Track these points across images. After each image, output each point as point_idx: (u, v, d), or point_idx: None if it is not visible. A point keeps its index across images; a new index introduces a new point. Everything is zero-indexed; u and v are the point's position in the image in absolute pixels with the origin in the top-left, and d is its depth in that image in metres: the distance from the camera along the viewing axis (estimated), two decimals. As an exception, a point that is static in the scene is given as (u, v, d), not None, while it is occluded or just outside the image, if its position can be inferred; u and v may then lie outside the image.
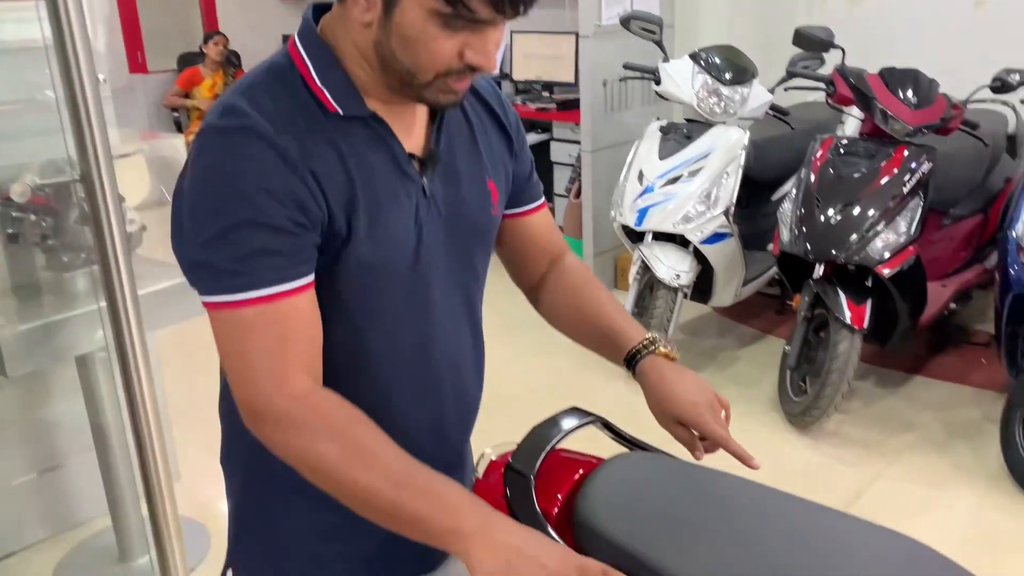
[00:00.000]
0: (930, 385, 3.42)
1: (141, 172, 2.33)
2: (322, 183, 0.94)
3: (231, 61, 6.28)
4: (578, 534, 1.00)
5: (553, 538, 0.97)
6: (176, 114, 6.37)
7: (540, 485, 1.03)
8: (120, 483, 2.43)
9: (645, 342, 1.15)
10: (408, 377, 1.06)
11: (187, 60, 6.43)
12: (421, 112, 1.05)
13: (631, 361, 1.15)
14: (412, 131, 1.04)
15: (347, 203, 0.96)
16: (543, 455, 1.05)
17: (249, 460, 1.09)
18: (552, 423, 1.12)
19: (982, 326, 3.85)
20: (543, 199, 1.26)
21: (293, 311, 0.93)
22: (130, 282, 1.81)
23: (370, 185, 0.97)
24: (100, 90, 1.61)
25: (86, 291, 2.20)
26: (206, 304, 0.94)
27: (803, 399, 3.06)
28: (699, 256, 3.34)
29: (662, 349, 1.15)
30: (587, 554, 0.97)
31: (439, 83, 0.94)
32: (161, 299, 2.22)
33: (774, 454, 2.90)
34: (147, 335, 1.85)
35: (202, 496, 2.80)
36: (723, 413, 1.12)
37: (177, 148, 2.14)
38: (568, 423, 1.11)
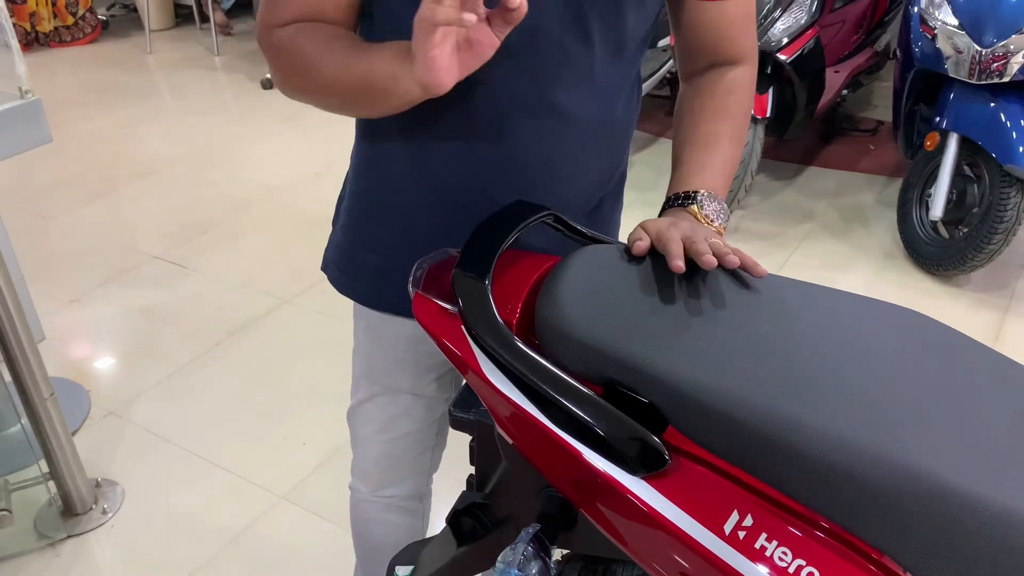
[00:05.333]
0: (823, 174, 3.43)
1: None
2: None
3: None
4: (544, 339, 0.85)
5: (521, 352, 0.81)
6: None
7: (494, 289, 0.86)
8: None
9: (683, 194, 0.97)
10: (448, 107, 0.96)
11: None
12: None
13: (664, 206, 0.99)
14: None
15: None
16: (496, 256, 0.87)
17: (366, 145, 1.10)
18: (498, 220, 0.93)
19: (868, 114, 3.87)
20: None
21: None
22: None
23: None
24: None
25: None
26: None
27: (705, 197, 2.99)
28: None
29: (696, 209, 0.95)
30: (558, 360, 0.82)
31: None
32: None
33: (680, 254, 2.85)
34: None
35: (73, 355, 2.54)
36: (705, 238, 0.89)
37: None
38: (517, 218, 0.93)
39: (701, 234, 0.88)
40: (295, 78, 0.97)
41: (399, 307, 1.12)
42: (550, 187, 1.04)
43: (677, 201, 0.98)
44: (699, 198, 0.96)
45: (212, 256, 3.04)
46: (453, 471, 1.31)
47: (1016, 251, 2.83)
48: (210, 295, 2.82)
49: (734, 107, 1.04)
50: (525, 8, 0.80)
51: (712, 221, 0.95)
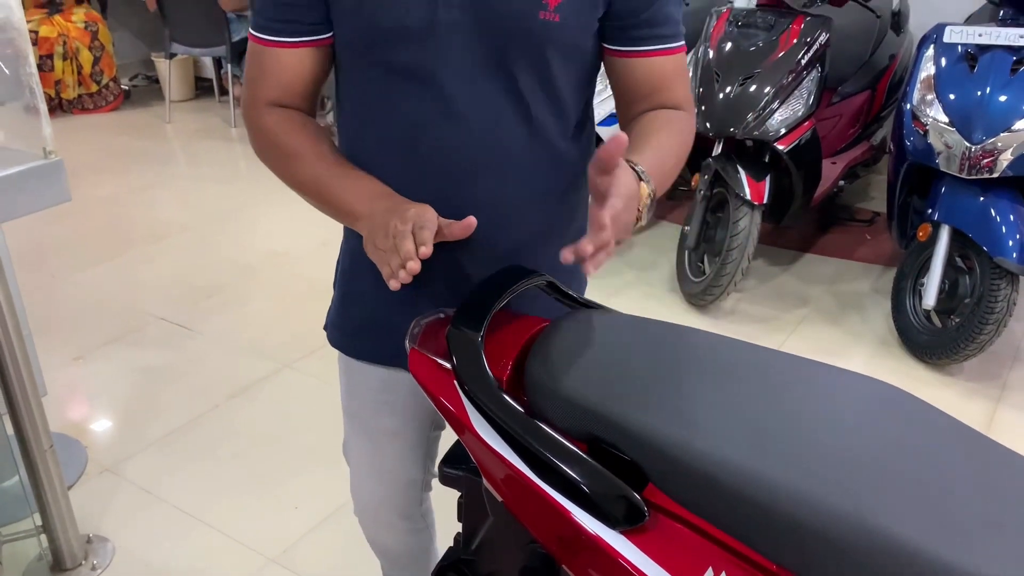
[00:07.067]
0: (820, 261, 3.49)
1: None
2: None
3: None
4: (533, 397, 0.89)
5: (511, 407, 0.85)
6: None
7: (487, 348, 0.90)
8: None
9: (642, 170, 0.98)
10: (391, 159, 1.10)
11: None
12: None
13: None
14: None
15: None
16: (490, 315, 0.92)
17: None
18: (494, 281, 0.99)
19: (865, 204, 3.95)
20: (667, 47, 1.09)
21: (270, 58, 1.10)
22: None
23: None
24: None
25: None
26: None
27: (703, 279, 3.05)
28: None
29: (645, 188, 0.97)
30: (545, 417, 0.86)
31: None
32: (1, 188, 1.93)
33: (677, 334, 2.89)
34: (-6, 227, 1.59)
35: (73, 412, 2.56)
36: (622, 232, 0.90)
37: (11, 7, 1.82)
38: (512, 281, 0.98)
39: (622, 224, 0.88)
40: (271, 164, 1.14)
41: (374, 356, 1.24)
42: (503, 229, 1.11)
43: (637, 168, 0.98)
44: (650, 182, 0.98)
45: (217, 319, 3.09)
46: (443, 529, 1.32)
47: (1008, 342, 2.86)
48: (212, 358, 2.86)
49: (678, 127, 1.10)
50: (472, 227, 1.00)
51: (645, 209, 0.97)
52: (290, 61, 1.10)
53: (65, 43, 5.45)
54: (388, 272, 0.95)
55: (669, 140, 1.08)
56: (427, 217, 0.97)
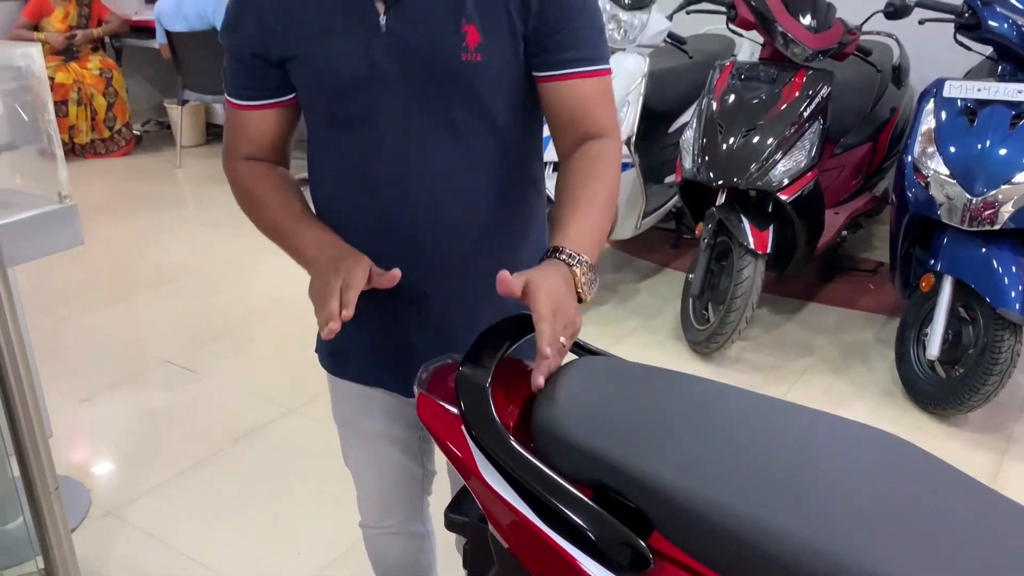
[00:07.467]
0: (823, 311, 3.50)
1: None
2: (265, 20, 1.15)
3: (85, -11, 5.74)
4: (539, 442, 0.90)
5: (518, 453, 0.86)
6: (23, 49, 5.78)
7: (494, 394, 0.91)
8: (-17, 441, 2.16)
9: (568, 252, 1.04)
10: (350, 197, 1.20)
11: (34, -12, 5.83)
12: None
13: (548, 254, 1.07)
14: None
15: (290, 34, 1.14)
16: (496, 362, 0.94)
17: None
18: (501, 329, 1.00)
19: (868, 254, 3.98)
20: (582, 70, 1.14)
21: (241, 119, 1.24)
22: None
23: (317, 19, 1.12)
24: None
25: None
26: None
27: (707, 327, 3.06)
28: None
29: (577, 273, 1.02)
30: (551, 463, 0.87)
31: None
32: (17, 232, 1.96)
33: (682, 382, 2.90)
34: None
35: (78, 454, 2.57)
36: (568, 328, 0.96)
37: (33, 58, 1.87)
38: (519, 329, 1.00)
39: (560, 324, 0.94)
40: (245, 211, 1.28)
41: (352, 375, 1.36)
42: (454, 253, 1.20)
43: (561, 255, 1.04)
44: (581, 263, 1.03)
45: (222, 363, 3.11)
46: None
47: (1014, 393, 2.86)
48: (217, 401, 2.87)
49: (602, 171, 1.15)
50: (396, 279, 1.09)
51: (585, 288, 1.03)
52: (258, 121, 1.23)
53: (80, 89, 5.55)
54: (320, 323, 1.04)
55: (595, 190, 1.12)
56: (355, 275, 1.06)
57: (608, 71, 1.17)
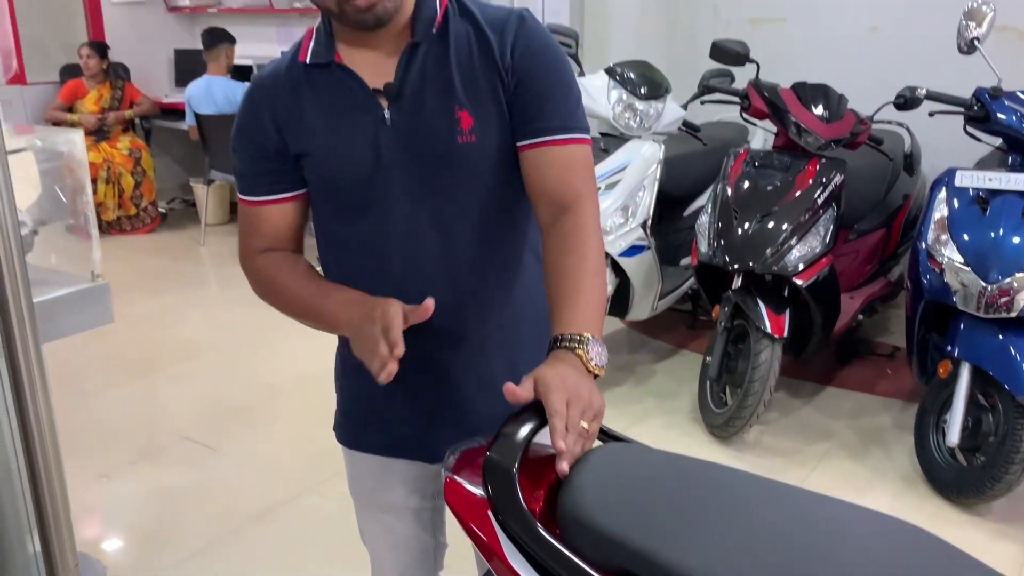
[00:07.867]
0: (841, 395, 3.50)
1: (29, 171, 2.12)
2: (279, 119, 1.23)
3: (118, 74, 5.96)
4: (564, 528, 0.91)
5: (544, 539, 0.88)
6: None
7: (520, 479, 0.94)
8: (5, 517, 2.17)
9: (568, 336, 1.08)
10: (365, 279, 1.25)
11: (70, 72, 6.07)
12: (391, 49, 1.20)
13: (551, 345, 1.10)
14: (380, 68, 1.20)
15: (302, 131, 1.22)
16: (523, 447, 0.96)
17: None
18: (527, 414, 1.03)
19: (885, 338, 3.99)
20: (553, 137, 1.20)
21: (257, 215, 1.29)
22: (25, 290, 1.63)
23: (328, 117, 1.21)
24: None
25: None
26: None
27: (725, 410, 3.06)
28: (616, 269, 3.32)
29: (583, 353, 1.06)
30: (576, 549, 0.88)
31: (345, 6, 1.12)
32: (50, 310, 2.01)
33: (699, 465, 2.88)
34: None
35: (95, 530, 2.57)
36: (587, 412, 1.00)
37: (75, 143, 1.96)
38: (544, 414, 1.02)
39: (577, 412, 0.98)
40: (269, 300, 1.33)
41: (372, 447, 1.40)
42: (464, 324, 1.27)
43: (563, 343, 1.08)
44: (584, 342, 1.07)
45: (242, 440, 3.12)
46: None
47: (1037, 482, 2.83)
48: (235, 479, 2.87)
49: (584, 242, 1.18)
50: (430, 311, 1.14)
51: (596, 365, 1.07)
52: (273, 215, 1.29)
53: (109, 168, 5.71)
54: (376, 370, 1.08)
55: (577, 264, 1.16)
56: (391, 314, 1.11)
57: (585, 140, 1.23)
